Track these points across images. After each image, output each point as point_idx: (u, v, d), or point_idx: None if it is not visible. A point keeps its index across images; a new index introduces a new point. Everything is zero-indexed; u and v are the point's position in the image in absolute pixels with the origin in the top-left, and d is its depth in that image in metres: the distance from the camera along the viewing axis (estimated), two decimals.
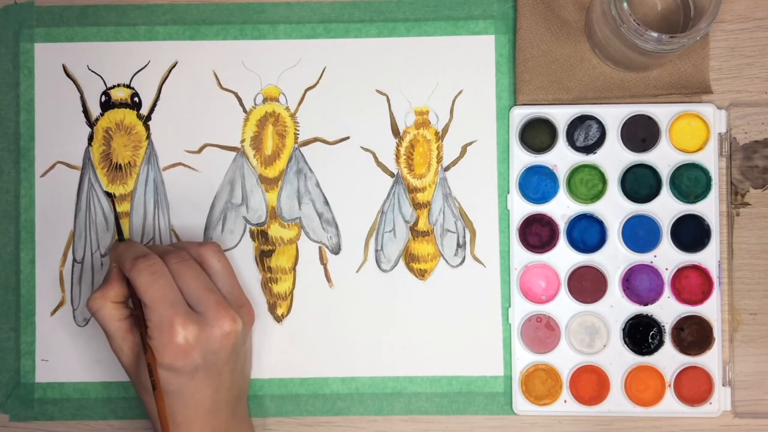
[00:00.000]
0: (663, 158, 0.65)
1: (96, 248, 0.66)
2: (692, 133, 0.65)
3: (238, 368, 0.61)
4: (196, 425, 0.58)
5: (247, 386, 0.64)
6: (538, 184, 0.66)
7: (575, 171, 0.66)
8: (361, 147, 0.67)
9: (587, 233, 0.66)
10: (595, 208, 0.66)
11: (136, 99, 0.67)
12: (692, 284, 0.65)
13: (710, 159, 0.65)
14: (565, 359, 0.65)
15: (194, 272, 0.59)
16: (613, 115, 0.66)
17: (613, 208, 0.65)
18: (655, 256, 0.65)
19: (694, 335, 0.65)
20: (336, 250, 0.66)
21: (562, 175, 0.66)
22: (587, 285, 0.65)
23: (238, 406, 0.61)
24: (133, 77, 0.67)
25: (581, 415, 0.65)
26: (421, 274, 0.66)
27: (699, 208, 0.65)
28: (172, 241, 0.66)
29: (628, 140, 0.65)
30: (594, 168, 0.66)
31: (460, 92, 0.66)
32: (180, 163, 0.67)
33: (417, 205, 0.66)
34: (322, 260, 0.66)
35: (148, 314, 0.57)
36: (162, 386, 0.57)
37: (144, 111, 0.67)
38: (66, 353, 0.66)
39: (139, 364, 0.59)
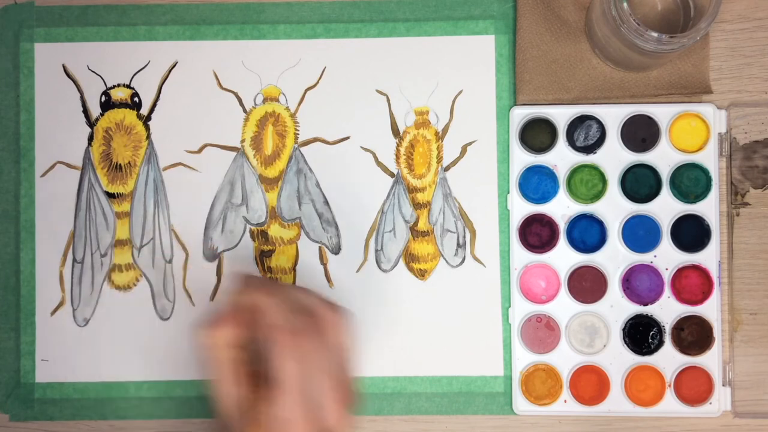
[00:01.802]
0: (663, 158, 0.65)
1: (96, 248, 0.66)
2: (692, 133, 0.65)
3: None
4: None
5: None
6: (538, 184, 0.66)
7: (575, 171, 0.66)
8: (361, 147, 0.67)
9: (587, 233, 0.66)
10: (595, 208, 0.66)
11: (136, 99, 0.67)
12: (692, 284, 0.65)
13: (710, 159, 0.65)
14: (565, 359, 0.65)
15: (320, 354, 0.52)
16: (613, 115, 0.66)
17: (613, 208, 0.65)
18: (655, 256, 0.65)
19: (694, 335, 0.65)
20: (336, 250, 0.66)
21: (562, 175, 0.66)
22: (587, 285, 0.65)
23: None
24: (133, 77, 0.67)
25: (581, 415, 0.65)
26: (421, 274, 0.66)
27: (699, 208, 0.65)
28: (172, 242, 0.66)
29: (628, 140, 0.65)
30: (594, 168, 0.66)
31: (460, 92, 0.66)
32: (180, 163, 0.67)
33: (417, 205, 0.66)
34: (322, 260, 0.66)
35: (276, 397, 0.51)
36: None
37: (144, 111, 0.67)
38: (66, 353, 0.66)
39: (238, 418, 0.53)
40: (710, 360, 0.65)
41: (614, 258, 0.65)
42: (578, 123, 0.66)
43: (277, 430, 0.51)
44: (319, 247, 0.66)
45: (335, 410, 0.52)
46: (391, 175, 0.67)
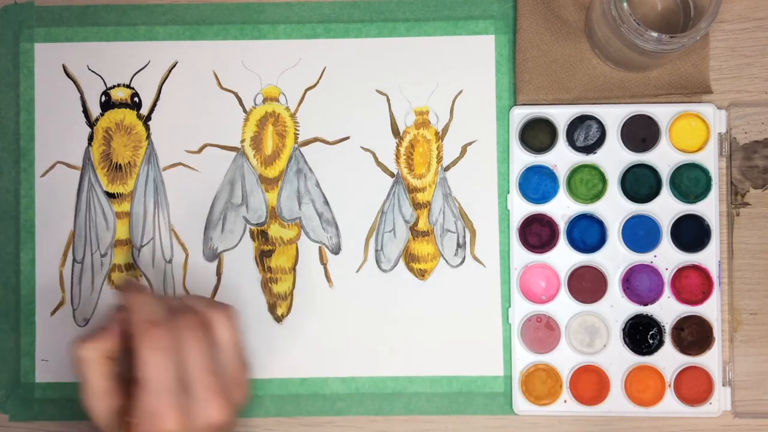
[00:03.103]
0: (663, 158, 0.65)
1: (96, 248, 0.66)
2: (692, 133, 0.65)
3: None
4: None
5: None
6: (538, 184, 0.66)
7: (575, 171, 0.66)
8: (361, 147, 0.67)
9: (587, 233, 0.66)
10: (595, 208, 0.66)
11: (136, 99, 0.67)
12: (692, 284, 0.65)
13: (710, 159, 0.65)
14: (565, 359, 0.65)
15: (199, 347, 0.53)
16: (613, 115, 0.66)
17: (613, 208, 0.65)
18: (655, 256, 0.65)
19: (694, 335, 0.65)
20: (336, 250, 0.66)
21: (562, 175, 0.66)
22: (587, 285, 0.65)
23: None
24: (133, 77, 0.67)
25: (581, 415, 0.65)
26: (421, 274, 0.66)
27: (699, 208, 0.65)
28: (172, 242, 0.66)
29: (628, 140, 0.65)
30: (594, 168, 0.66)
31: (460, 92, 0.66)
32: (180, 163, 0.67)
33: (417, 205, 0.66)
34: (322, 260, 0.66)
35: (140, 392, 0.51)
36: None
37: (144, 111, 0.67)
38: (66, 353, 0.66)
39: (111, 427, 0.54)
40: (710, 360, 0.65)
41: (614, 258, 0.65)
42: (578, 123, 0.66)
43: (147, 425, 0.51)
44: (319, 247, 0.66)
45: (214, 404, 0.52)
46: (391, 175, 0.67)
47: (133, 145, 0.67)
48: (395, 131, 0.67)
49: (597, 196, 0.65)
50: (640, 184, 0.65)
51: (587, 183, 0.66)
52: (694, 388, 0.65)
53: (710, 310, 0.65)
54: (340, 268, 0.66)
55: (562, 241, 0.65)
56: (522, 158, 0.66)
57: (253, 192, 0.67)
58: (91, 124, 0.67)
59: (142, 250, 0.66)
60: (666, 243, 0.65)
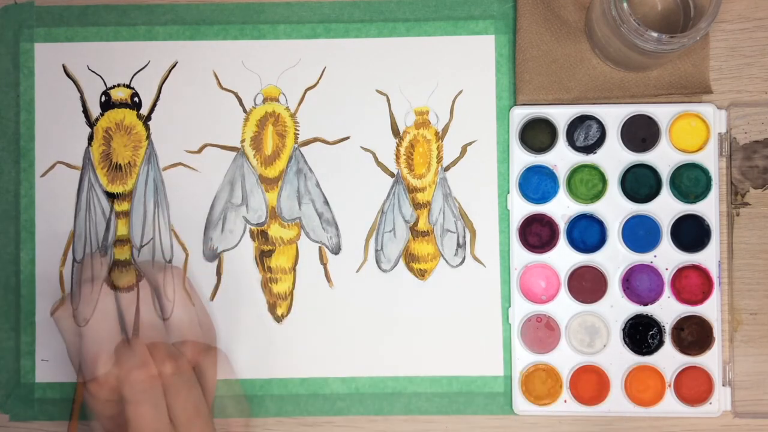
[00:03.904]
0: (663, 158, 0.65)
1: (96, 248, 0.66)
2: (692, 133, 0.65)
3: None
4: None
5: None
6: (538, 184, 0.66)
7: (575, 171, 0.66)
8: (361, 147, 0.67)
9: (587, 233, 0.66)
10: (595, 208, 0.66)
11: (136, 99, 0.67)
12: (692, 284, 0.65)
13: (710, 159, 0.65)
14: (565, 359, 0.65)
15: (185, 392, 0.59)
16: (613, 115, 0.66)
17: (613, 208, 0.65)
18: (655, 256, 0.65)
19: (694, 335, 0.65)
20: (336, 250, 0.66)
21: (562, 175, 0.66)
22: (587, 285, 0.65)
23: None
24: (133, 77, 0.67)
25: (581, 415, 0.65)
26: (421, 274, 0.66)
27: (699, 208, 0.65)
28: (172, 242, 0.66)
29: (628, 140, 0.65)
30: (594, 168, 0.66)
31: (460, 92, 0.67)
32: (180, 163, 0.67)
33: (417, 205, 0.66)
34: (322, 260, 0.66)
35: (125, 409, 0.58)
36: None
37: (144, 111, 0.67)
38: (66, 353, 0.66)
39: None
40: (710, 360, 0.65)
41: (614, 258, 0.65)
42: (578, 123, 0.66)
43: None
44: (319, 247, 0.66)
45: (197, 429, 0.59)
46: (391, 175, 0.67)
47: (133, 145, 0.67)
48: (395, 131, 0.67)
49: (597, 196, 0.65)
50: (640, 184, 0.65)
51: (587, 183, 0.66)
52: (694, 388, 0.65)
53: (710, 310, 0.65)
54: (340, 268, 0.66)
55: (562, 241, 0.66)
56: (522, 158, 0.66)
57: (253, 192, 0.67)
58: (91, 124, 0.67)
59: (142, 250, 0.66)
60: (666, 243, 0.65)
